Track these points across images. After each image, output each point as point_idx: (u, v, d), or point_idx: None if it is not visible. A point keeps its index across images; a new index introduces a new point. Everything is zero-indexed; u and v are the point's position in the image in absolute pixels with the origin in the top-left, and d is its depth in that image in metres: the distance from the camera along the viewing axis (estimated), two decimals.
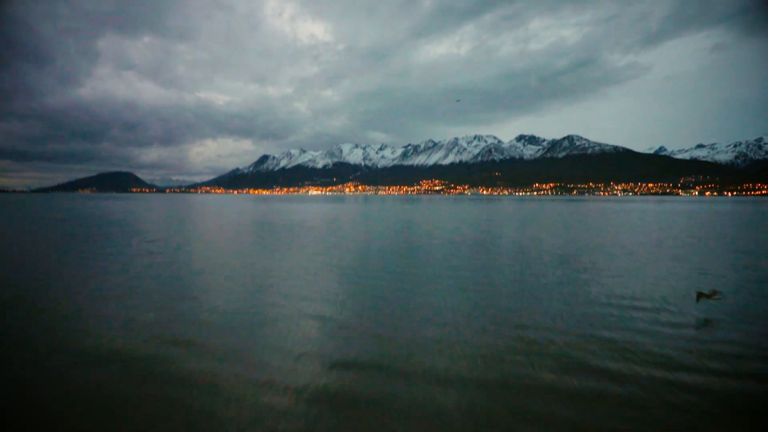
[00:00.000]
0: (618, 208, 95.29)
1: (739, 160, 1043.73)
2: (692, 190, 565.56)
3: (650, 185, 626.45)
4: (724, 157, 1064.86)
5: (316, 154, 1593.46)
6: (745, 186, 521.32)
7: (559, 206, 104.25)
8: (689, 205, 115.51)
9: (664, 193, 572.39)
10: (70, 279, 16.88)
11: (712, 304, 13.30)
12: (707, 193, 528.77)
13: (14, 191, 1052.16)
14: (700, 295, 13.47)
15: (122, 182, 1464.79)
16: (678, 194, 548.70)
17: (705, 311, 12.67)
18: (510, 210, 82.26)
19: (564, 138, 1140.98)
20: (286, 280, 16.45)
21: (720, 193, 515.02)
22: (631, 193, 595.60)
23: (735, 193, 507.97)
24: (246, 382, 7.68)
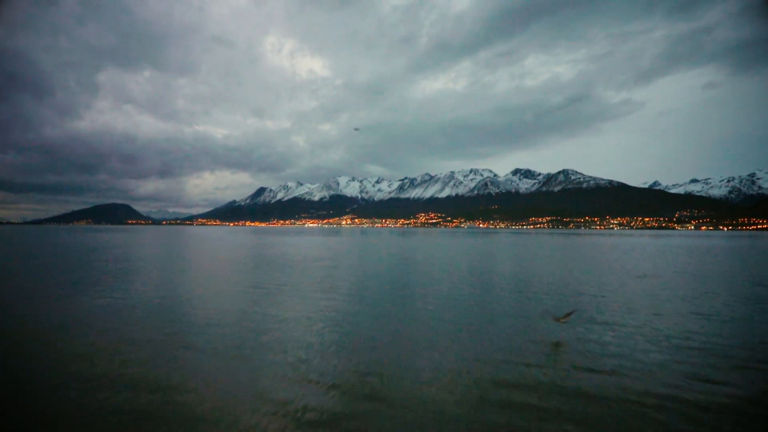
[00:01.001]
0: (618, 242, 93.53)
1: (733, 195, 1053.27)
2: (688, 225, 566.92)
3: (646, 219, 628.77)
4: (718, 191, 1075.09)
5: (313, 186, 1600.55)
6: (740, 221, 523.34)
7: (559, 240, 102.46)
8: (694, 240, 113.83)
9: (660, 227, 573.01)
10: (61, 312, 16.29)
11: (565, 323, 14.97)
12: (703, 228, 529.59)
13: (9, 222, 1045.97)
14: (555, 318, 15.01)
15: (118, 214, 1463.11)
16: (674, 228, 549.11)
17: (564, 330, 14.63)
18: (508, 244, 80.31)
19: (559, 172, 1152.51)
20: (279, 322, 15.44)
21: (716, 228, 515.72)
22: (627, 227, 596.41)
23: (731, 227, 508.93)
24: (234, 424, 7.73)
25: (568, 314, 14.90)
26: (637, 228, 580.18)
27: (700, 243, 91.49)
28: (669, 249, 64.74)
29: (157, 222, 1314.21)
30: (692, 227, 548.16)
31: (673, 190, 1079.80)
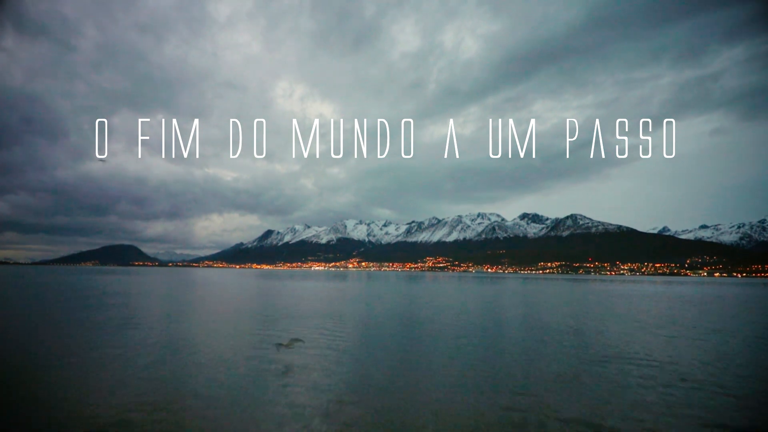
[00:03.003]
0: (648, 291, 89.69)
1: (744, 241, 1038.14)
2: (701, 271, 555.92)
3: (657, 265, 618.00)
4: (728, 237, 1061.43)
5: (320, 229, 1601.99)
6: (754, 267, 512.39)
7: (574, 288, 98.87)
8: (722, 288, 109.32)
9: (672, 274, 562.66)
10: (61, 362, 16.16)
11: (291, 351, 16.28)
12: (717, 274, 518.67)
13: (16, 263, 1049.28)
14: (279, 345, 16.43)
15: (125, 255, 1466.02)
16: (687, 275, 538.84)
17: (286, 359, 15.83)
18: (521, 292, 77.07)
19: (567, 217, 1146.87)
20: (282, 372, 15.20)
21: (730, 275, 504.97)
22: (638, 273, 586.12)
23: (744, 274, 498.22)
24: None
25: (294, 341, 16.59)
26: (648, 274, 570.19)
27: (737, 292, 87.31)
28: (716, 299, 61.27)
29: (163, 263, 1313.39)
30: (705, 274, 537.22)
31: (682, 236, 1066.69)
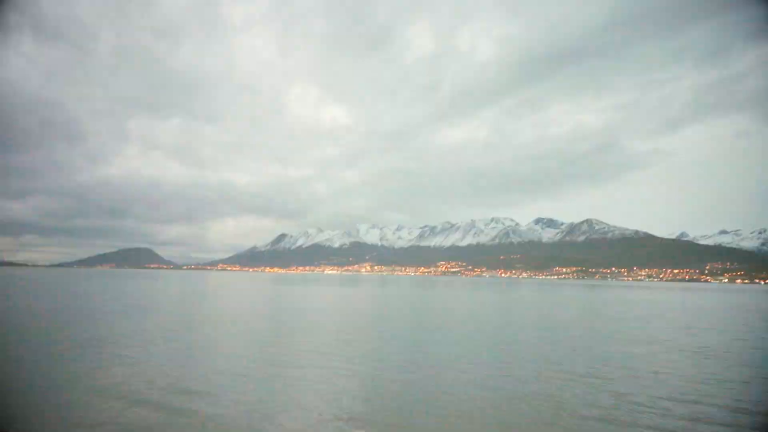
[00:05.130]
0: (668, 299, 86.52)
1: (765, 247, 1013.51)
2: (721, 277, 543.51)
3: (675, 271, 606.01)
4: (749, 243, 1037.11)
5: (333, 233, 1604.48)
6: None
7: (596, 295, 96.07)
8: (756, 296, 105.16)
9: (691, 280, 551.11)
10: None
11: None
12: (738, 281, 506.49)
13: (35, 265, 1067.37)
14: None
15: (141, 258, 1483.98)
16: (707, 281, 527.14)
17: None
18: (540, 301, 74.71)
19: (583, 221, 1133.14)
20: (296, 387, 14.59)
21: (752, 281, 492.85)
22: (656, 279, 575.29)
23: (767, 281, 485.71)
24: None
25: None
26: (666, 280, 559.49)
27: None
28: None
29: (178, 267, 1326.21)
30: (726, 280, 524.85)
31: (701, 242, 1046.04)
